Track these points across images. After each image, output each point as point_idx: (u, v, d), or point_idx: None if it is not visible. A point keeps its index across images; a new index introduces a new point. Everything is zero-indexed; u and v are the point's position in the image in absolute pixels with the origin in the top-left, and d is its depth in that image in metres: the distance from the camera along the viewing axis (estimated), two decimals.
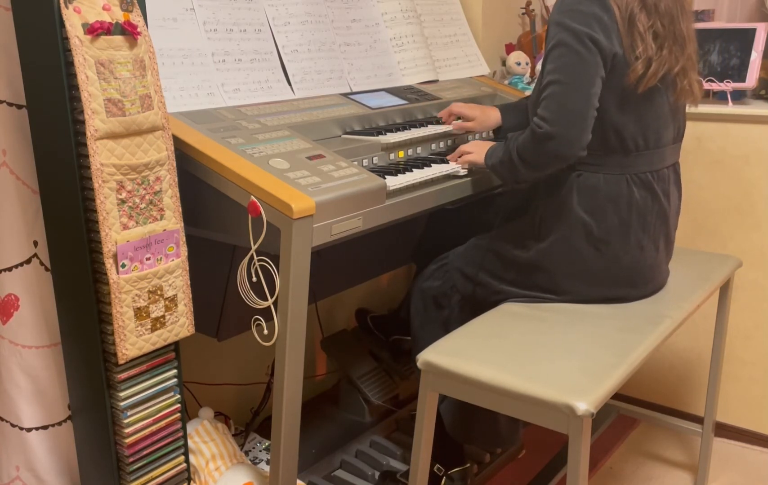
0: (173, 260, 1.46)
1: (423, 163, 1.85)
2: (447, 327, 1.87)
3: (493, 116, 2.04)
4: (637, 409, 2.57)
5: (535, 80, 2.53)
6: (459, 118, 2.07)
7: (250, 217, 1.46)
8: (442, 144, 2.03)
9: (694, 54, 1.76)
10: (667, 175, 1.78)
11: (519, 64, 2.64)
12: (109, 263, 1.37)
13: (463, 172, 1.85)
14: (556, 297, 1.77)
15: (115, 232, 1.37)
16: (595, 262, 1.72)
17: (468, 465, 2.06)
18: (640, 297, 1.80)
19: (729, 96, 2.33)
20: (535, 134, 1.63)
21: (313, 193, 1.47)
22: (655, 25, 1.66)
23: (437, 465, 2.01)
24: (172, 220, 1.46)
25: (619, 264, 1.73)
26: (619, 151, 1.69)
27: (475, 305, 1.86)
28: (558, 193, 1.73)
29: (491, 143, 1.85)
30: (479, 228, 1.94)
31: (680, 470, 2.37)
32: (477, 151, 1.84)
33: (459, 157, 1.88)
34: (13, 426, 1.69)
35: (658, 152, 1.74)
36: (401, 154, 1.89)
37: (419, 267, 2.15)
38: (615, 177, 1.70)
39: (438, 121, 2.09)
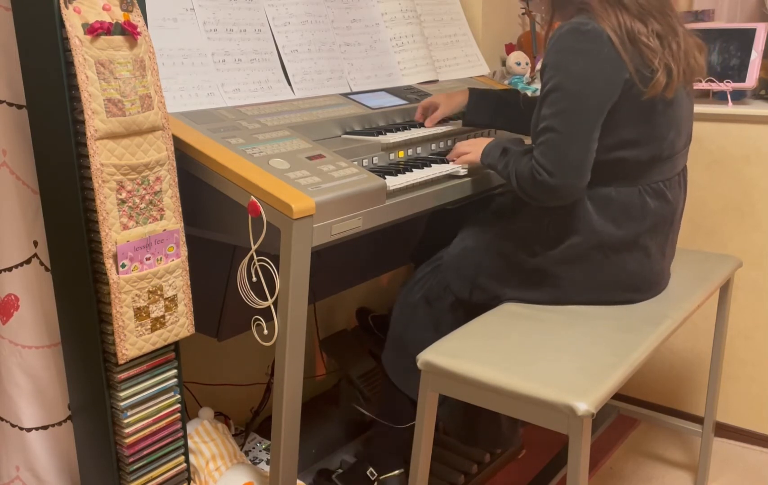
0: (173, 260, 1.47)
1: (423, 163, 1.85)
2: (437, 327, 1.86)
3: (458, 96, 2.02)
4: (637, 409, 2.57)
5: (538, 86, 2.54)
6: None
7: (250, 217, 1.46)
8: (442, 144, 2.02)
9: (682, 25, 1.70)
10: (678, 181, 1.78)
11: (519, 64, 2.64)
12: (109, 263, 1.37)
13: (463, 171, 1.85)
14: (558, 301, 1.76)
15: (115, 232, 1.37)
16: (603, 269, 1.71)
17: (402, 470, 2.01)
18: (642, 301, 1.79)
19: (729, 96, 2.33)
20: (536, 180, 1.61)
21: (313, 193, 1.47)
22: (654, 27, 1.62)
23: (370, 469, 1.99)
24: (172, 220, 1.46)
25: (626, 270, 1.72)
26: (633, 166, 1.67)
27: (470, 308, 1.85)
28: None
29: (488, 139, 1.84)
30: (479, 228, 1.93)
31: (680, 470, 2.37)
32: (474, 149, 1.84)
33: (457, 156, 1.87)
34: (13, 426, 1.69)
35: (670, 161, 1.72)
36: (401, 154, 1.89)
37: (416, 267, 2.14)
38: (628, 189, 1.69)
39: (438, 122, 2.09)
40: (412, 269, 2.23)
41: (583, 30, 1.59)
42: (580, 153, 1.59)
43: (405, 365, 1.86)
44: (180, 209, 1.48)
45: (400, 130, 1.94)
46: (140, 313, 1.42)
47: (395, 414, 1.93)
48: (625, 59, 1.58)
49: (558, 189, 1.60)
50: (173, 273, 1.47)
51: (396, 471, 1.99)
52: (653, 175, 1.70)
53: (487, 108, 2.01)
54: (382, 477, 1.99)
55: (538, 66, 2.59)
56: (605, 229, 1.69)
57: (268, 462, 1.99)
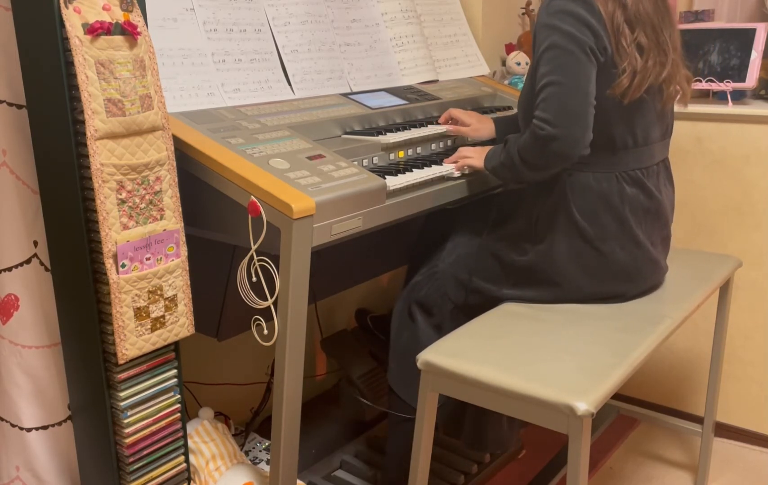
0: (173, 260, 1.46)
1: (423, 163, 1.85)
2: (439, 334, 1.85)
3: (487, 126, 2.04)
4: (637, 409, 2.57)
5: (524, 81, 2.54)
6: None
7: (250, 217, 1.46)
8: (442, 144, 2.03)
9: (679, 58, 1.76)
10: (656, 171, 1.79)
11: (519, 64, 2.64)
12: (109, 263, 1.37)
13: (456, 174, 1.85)
14: (555, 298, 1.77)
15: (115, 232, 1.37)
16: (593, 260, 1.72)
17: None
18: (639, 294, 1.80)
19: (729, 96, 2.33)
20: (538, 136, 1.62)
21: (313, 193, 1.47)
22: (639, 38, 1.66)
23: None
24: (172, 220, 1.46)
25: (617, 260, 1.73)
26: (607, 150, 1.69)
27: (469, 311, 1.85)
28: (551, 194, 1.73)
29: (490, 146, 1.85)
30: (471, 234, 1.94)
31: (680, 470, 2.37)
32: (476, 155, 1.84)
33: (458, 159, 1.87)
34: (13, 426, 1.69)
35: (646, 149, 1.75)
36: (401, 154, 1.89)
37: (411, 268, 2.13)
38: (605, 175, 1.71)
39: (438, 122, 2.09)
40: (407, 271, 2.22)
41: None
42: (580, 102, 1.61)
43: (412, 377, 1.84)
44: (180, 209, 1.48)
45: (400, 130, 1.94)
46: (140, 313, 1.42)
47: (407, 433, 1.87)
48: (610, 32, 1.63)
49: (560, 138, 1.60)
50: (173, 273, 1.47)
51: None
52: (629, 162, 1.72)
53: (513, 124, 2.01)
54: None
55: None
56: (587, 219, 1.70)
57: (268, 462, 1.99)
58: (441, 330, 1.87)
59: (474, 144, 2.04)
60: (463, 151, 1.89)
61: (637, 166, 1.73)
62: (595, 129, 1.65)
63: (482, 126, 2.03)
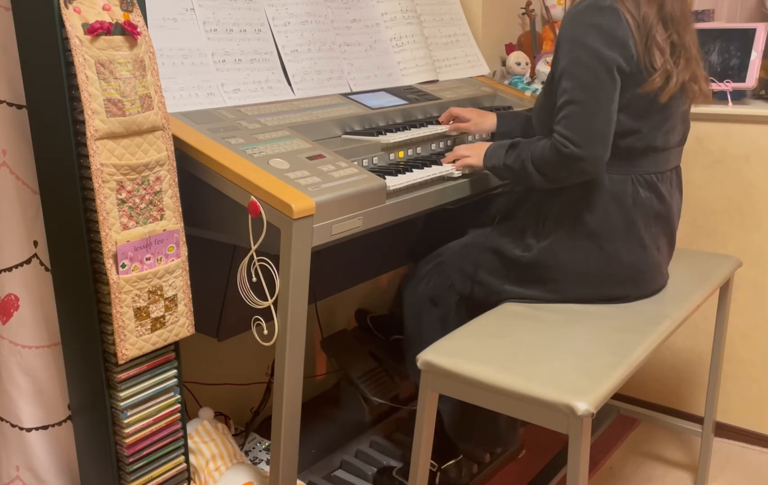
0: (173, 260, 1.47)
1: (423, 163, 1.85)
2: (444, 325, 1.86)
3: (488, 120, 2.04)
4: (637, 409, 2.57)
5: (538, 86, 2.54)
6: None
7: (250, 217, 1.46)
8: (442, 144, 2.03)
9: (698, 54, 1.77)
10: (670, 178, 1.79)
11: (519, 64, 2.64)
12: (109, 263, 1.37)
13: (457, 174, 1.85)
14: (557, 296, 1.77)
15: (115, 232, 1.37)
16: (597, 260, 1.72)
17: (461, 457, 2.04)
18: (640, 297, 1.80)
19: (729, 96, 2.33)
20: (561, 153, 1.62)
21: (313, 193, 1.47)
22: (672, 36, 1.66)
23: (431, 461, 2.00)
24: (172, 220, 1.46)
25: (622, 262, 1.73)
26: (627, 154, 1.69)
27: (473, 305, 1.86)
28: (562, 193, 1.73)
29: (488, 143, 1.84)
30: (478, 228, 1.94)
31: (680, 470, 2.37)
32: (474, 153, 1.84)
33: (455, 159, 1.87)
34: (13, 426, 1.69)
35: (663, 154, 1.75)
36: (401, 154, 1.89)
37: (412, 267, 2.13)
38: (620, 176, 1.70)
39: (438, 122, 2.09)
40: (411, 267, 2.23)
41: (600, 6, 1.62)
42: (605, 122, 1.61)
43: None
44: (180, 209, 1.48)
45: (400, 130, 1.94)
46: (140, 313, 1.42)
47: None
48: (636, 39, 1.61)
49: (585, 159, 1.61)
50: (173, 273, 1.47)
51: (453, 461, 2.03)
52: (646, 166, 1.72)
53: (516, 128, 2.02)
54: (443, 467, 2.01)
55: (538, 66, 2.60)
56: (596, 218, 1.70)
57: (268, 462, 1.99)
58: (445, 322, 1.88)
59: (472, 142, 2.04)
60: (459, 150, 1.88)
61: (653, 170, 1.73)
62: (618, 132, 1.65)
63: (483, 120, 2.03)
